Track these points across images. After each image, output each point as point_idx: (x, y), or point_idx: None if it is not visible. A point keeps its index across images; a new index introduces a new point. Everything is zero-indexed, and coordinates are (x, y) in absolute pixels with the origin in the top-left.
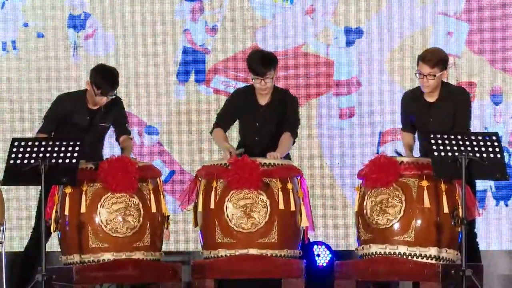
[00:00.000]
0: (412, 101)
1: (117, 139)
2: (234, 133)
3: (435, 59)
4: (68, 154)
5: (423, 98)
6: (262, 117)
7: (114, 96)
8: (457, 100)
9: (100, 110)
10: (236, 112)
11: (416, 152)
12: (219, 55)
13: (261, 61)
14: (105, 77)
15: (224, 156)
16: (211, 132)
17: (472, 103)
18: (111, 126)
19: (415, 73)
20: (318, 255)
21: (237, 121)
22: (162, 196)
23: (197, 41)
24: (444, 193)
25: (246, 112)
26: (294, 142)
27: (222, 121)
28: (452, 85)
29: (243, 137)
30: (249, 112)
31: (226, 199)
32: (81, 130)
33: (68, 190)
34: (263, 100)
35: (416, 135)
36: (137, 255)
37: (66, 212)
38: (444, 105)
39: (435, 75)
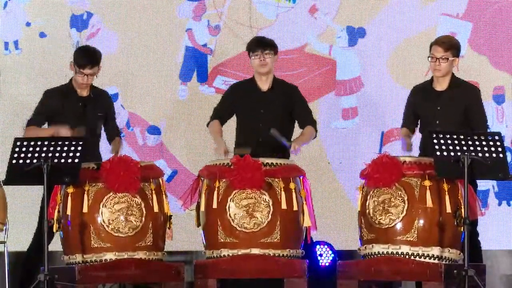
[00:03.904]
0: (421, 91)
1: (109, 139)
2: (232, 134)
3: (449, 43)
4: (71, 154)
5: (433, 88)
6: (265, 103)
7: (96, 76)
8: (469, 97)
9: (90, 96)
10: (235, 104)
11: (416, 150)
12: (221, 55)
13: (260, 39)
14: (82, 52)
15: (217, 148)
16: (207, 125)
17: None
18: (103, 126)
19: (428, 57)
20: (321, 255)
21: (234, 119)
22: (164, 196)
23: (200, 40)
24: (446, 192)
25: (248, 100)
26: (315, 136)
27: (220, 114)
28: (462, 79)
29: (244, 129)
30: (252, 99)
31: (229, 199)
32: (76, 120)
33: (70, 190)
34: (264, 85)
35: (417, 130)
36: (140, 254)
37: (68, 212)
38: (453, 94)
39: (447, 58)
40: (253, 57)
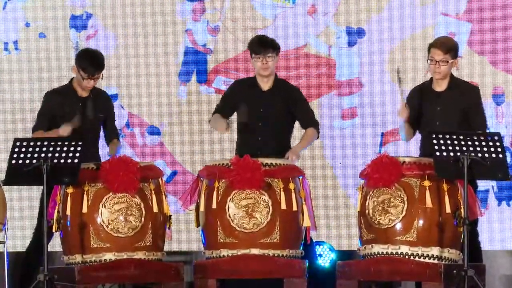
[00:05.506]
0: (420, 92)
1: (107, 141)
2: (233, 136)
3: (448, 45)
4: (70, 154)
5: (432, 89)
6: (265, 102)
7: (101, 78)
8: (469, 97)
9: (90, 97)
10: (236, 100)
11: (416, 150)
12: (221, 55)
13: (262, 40)
14: (89, 58)
15: (219, 127)
16: (209, 121)
17: None
18: (102, 127)
19: (427, 60)
20: (320, 255)
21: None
22: (164, 196)
23: (199, 41)
24: (446, 193)
25: (249, 98)
26: (318, 137)
27: (221, 110)
28: (461, 79)
29: (244, 127)
30: (252, 98)
31: (228, 199)
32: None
33: (70, 190)
34: (265, 85)
35: (417, 132)
36: (139, 255)
37: (68, 212)
38: (452, 94)
39: (447, 61)
40: (255, 59)
